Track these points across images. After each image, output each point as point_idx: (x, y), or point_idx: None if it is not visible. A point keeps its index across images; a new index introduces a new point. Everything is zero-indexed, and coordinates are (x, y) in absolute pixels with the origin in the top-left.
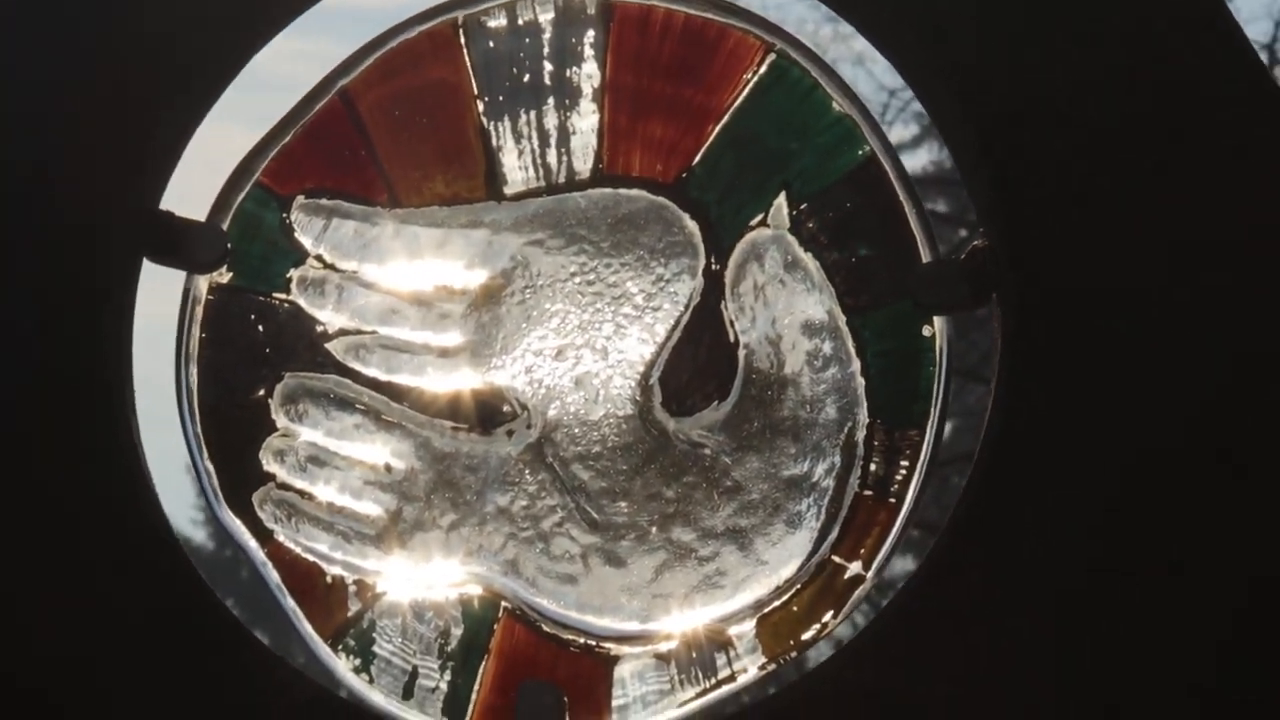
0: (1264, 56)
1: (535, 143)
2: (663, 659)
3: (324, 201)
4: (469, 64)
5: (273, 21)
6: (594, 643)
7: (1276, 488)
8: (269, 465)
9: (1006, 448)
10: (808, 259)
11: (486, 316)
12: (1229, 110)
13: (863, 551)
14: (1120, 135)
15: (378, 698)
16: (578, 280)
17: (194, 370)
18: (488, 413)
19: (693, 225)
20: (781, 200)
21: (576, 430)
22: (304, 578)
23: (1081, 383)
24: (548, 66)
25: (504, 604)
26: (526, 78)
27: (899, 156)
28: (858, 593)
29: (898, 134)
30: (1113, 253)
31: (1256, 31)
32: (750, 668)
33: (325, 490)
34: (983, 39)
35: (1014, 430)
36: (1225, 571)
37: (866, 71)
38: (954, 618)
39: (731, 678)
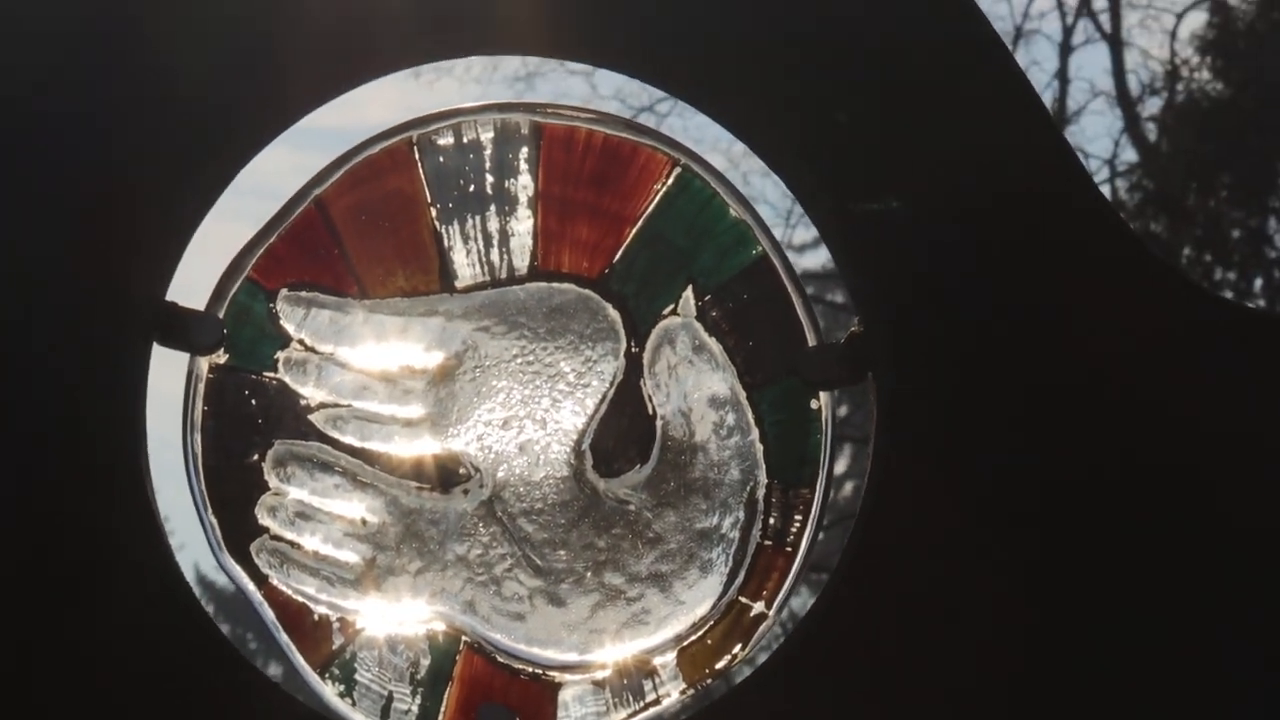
0: (1105, 170)
1: (480, 243)
2: (599, 685)
3: (303, 294)
4: (423, 176)
5: (252, 144)
6: (540, 671)
7: (1135, 555)
8: (263, 519)
9: (885, 502)
10: (712, 342)
11: (444, 392)
12: (1061, 218)
13: (765, 593)
14: (968, 242)
15: (360, 719)
16: (519, 361)
17: (198, 437)
18: (447, 474)
19: (615, 314)
20: (688, 293)
21: (521, 489)
22: (295, 616)
23: (946, 445)
24: (489, 178)
25: (464, 638)
26: (472, 188)
27: (787, 255)
28: (761, 628)
29: (800, 235)
30: (972, 338)
31: (1097, 149)
32: (673, 693)
33: (311, 541)
34: (852, 159)
35: (891, 487)
36: (1091, 613)
37: (774, 181)
38: (844, 647)
39: (657, 701)
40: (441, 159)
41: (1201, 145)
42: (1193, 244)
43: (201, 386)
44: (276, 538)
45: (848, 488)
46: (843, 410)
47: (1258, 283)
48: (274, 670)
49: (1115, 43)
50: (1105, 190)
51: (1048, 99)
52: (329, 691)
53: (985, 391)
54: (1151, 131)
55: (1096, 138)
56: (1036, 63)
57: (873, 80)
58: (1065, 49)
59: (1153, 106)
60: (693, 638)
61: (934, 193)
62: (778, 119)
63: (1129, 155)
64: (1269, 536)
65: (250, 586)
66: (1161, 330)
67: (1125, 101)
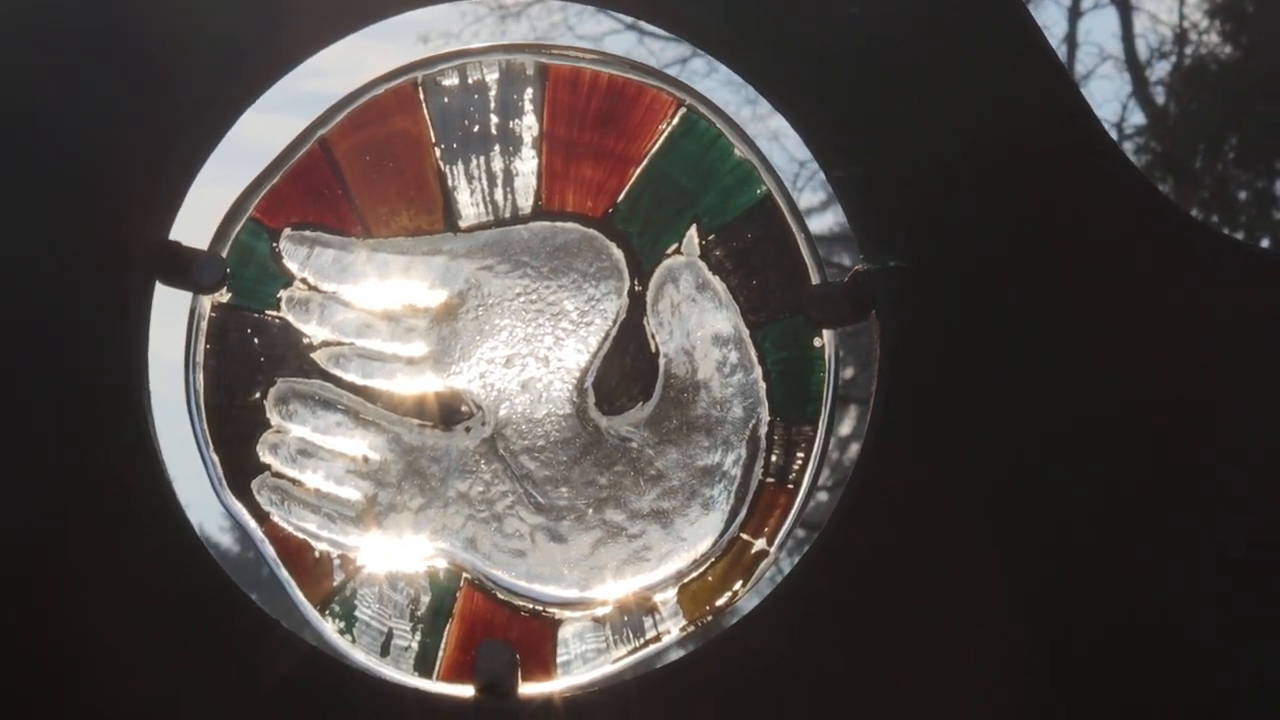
0: (1113, 133)
1: (484, 183)
2: (599, 621)
3: (307, 233)
4: (428, 117)
5: (259, 81)
6: (541, 608)
7: (1145, 505)
8: (265, 457)
9: (887, 440)
10: (716, 281)
11: (446, 330)
12: (1076, 177)
13: (767, 531)
14: (982, 188)
15: (359, 655)
16: (522, 300)
17: (200, 376)
18: (449, 412)
19: (619, 253)
20: (693, 232)
21: (524, 427)
22: (296, 552)
23: (948, 386)
24: (494, 119)
25: (465, 575)
26: (476, 128)
27: (791, 194)
28: (763, 565)
29: (807, 200)
30: (980, 279)
31: (1106, 112)
32: (673, 629)
33: (313, 478)
34: (870, 118)
35: (893, 427)
36: (1094, 586)
37: (781, 145)
38: (846, 584)
39: (657, 638)
40: (446, 100)
41: (1210, 109)
42: (1200, 207)
43: (204, 325)
44: (278, 475)
45: (848, 429)
46: (849, 371)
47: (1264, 244)
48: (275, 607)
49: (1124, 6)
50: None
51: None
52: (329, 628)
53: (992, 335)
54: (1160, 95)
55: (1105, 101)
56: (1046, 27)
57: (887, 34)
58: (1074, 12)
59: (1161, 70)
60: (694, 575)
61: (949, 139)
62: (795, 68)
63: (1137, 118)
64: None
65: (252, 523)
66: (1175, 281)
67: (1134, 65)
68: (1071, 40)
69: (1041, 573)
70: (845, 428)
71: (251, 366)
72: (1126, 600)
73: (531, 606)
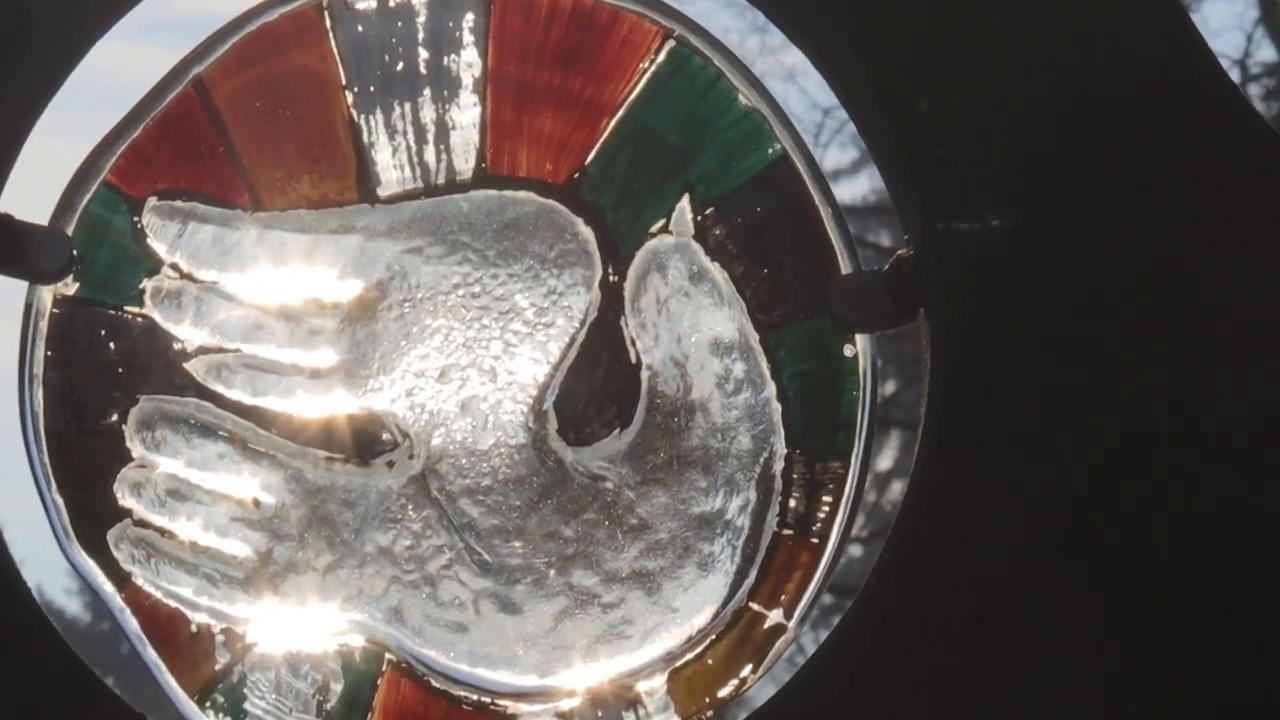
0: (1235, 73)
1: (411, 138)
2: (565, 718)
3: (179, 204)
4: (336, 50)
5: (116, 4)
6: (489, 699)
7: (1213, 517)
8: (125, 499)
9: (938, 489)
10: (715, 269)
11: (361, 333)
12: (1185, 128)
13: (783, 598)
14: (1063, 146)
15: None
16: (461, 293)
17: (39, 393)
18: (365, 441)
19: (587, 232)
20: (685, 204)
21: (464, 461)
22: (166, 626)
23: (1018, 410)
24: (423, 54)
25: (388, 656)
26: (400, 66)
27: (812, 154)
28: (779, 643)
29: (833, 159)
30: (1062, 264)
31: (1225, 44)
32: None
33: (187, 527)
34: (917, 48)
35: (945, 466)
36: (1169, 618)
37: (799, 88)
38: (882, 669)
39: None
40: (361, 28)
41: None
42: None
43: (44, 325)
44: (142, 523)
45: (889, 462)
46: (889, 387)
47: None
48: (138, 696)
49: None
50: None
51: None
52: None
53: (1082, 339)
54: None
55: (1224, 30)
56: None
57: None
58: None
59: None
60: (689, 656)
61: (1020, 79)
62: None
63: (1266, 53)
64: None
65: (108, 587)
66: None
67: None
68: None
69: (1146, 654)
70: (885, 461)
71: (106, 380)
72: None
73: (476, 698)
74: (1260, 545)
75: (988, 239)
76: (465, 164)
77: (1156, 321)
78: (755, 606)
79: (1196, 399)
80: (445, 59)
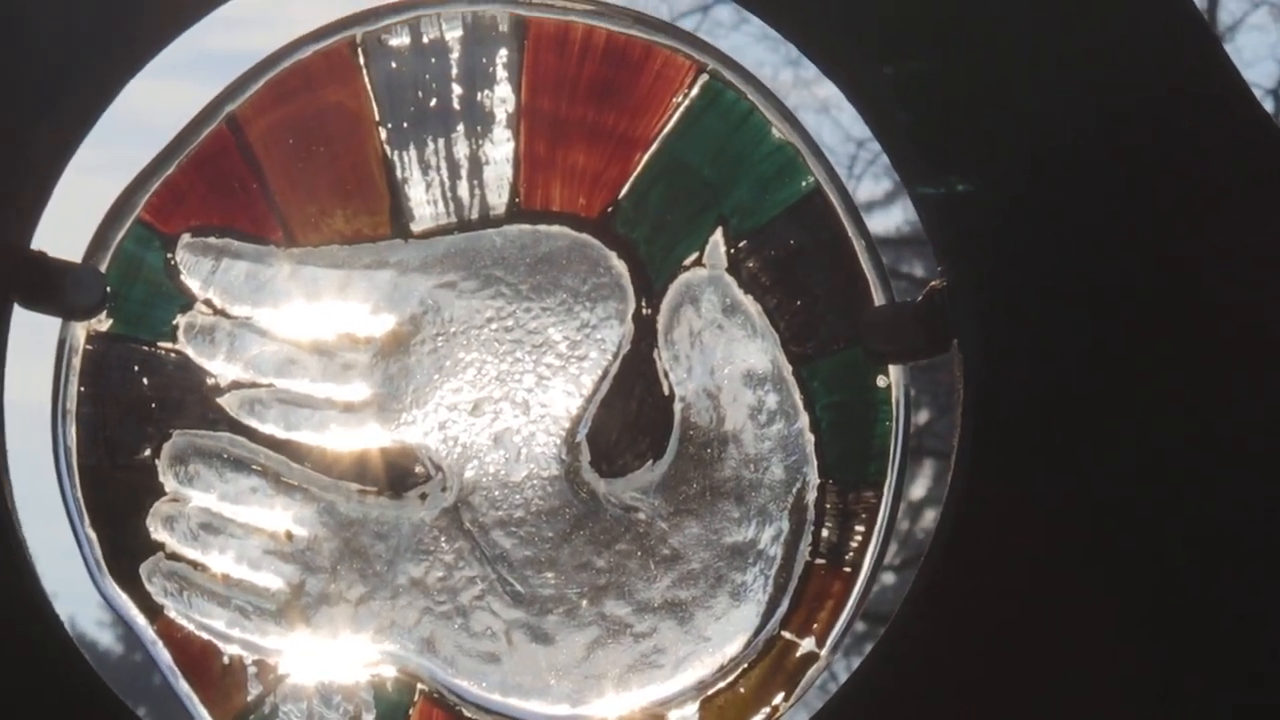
0: (1267, 102)
1: (444, 174)
2: None
3: (212, 240)
4: (369, 87)
5: (148, 42)
6: None
7: (1259, 536)
8: (157, 533)
9: (971, 517)
10: (748, 302)
11: (394, 367)
12: (1221, 156)
13: (816, 626)
14: (1095, 172)
15: None
16: (495, 326)
17: (72, 428)
18: (398, 474)
19: (620, 265)
20: (718, 237)
21: (497, 493)
22: (199, 658)
23: (1055, 442)
24: (456, 89)
25: (420, 686)
26: (433, 102)
27: (846, 187)
28: (811, 672)
29: (867, 190)
30: (1097, 295)
31: (1258, 74)
32: None
33: (220, 561)
34: (951, 80)
35: (979, 498)
36: (1202, 648)
37: (832, 120)
38: (913, 704)
39: None
40: (394, 64)
41: None
42: None
43: (77, 361)
44: (175, 557)
45: (922, 490)
46: (922, 417)
47: None
48: None
49: None
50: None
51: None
52: None
53: (1115, 368)
54: None
55: (1257, 60)
56: None
57: None
58: None
59: None
60: (720, 685)
61: (1050, 108)
62: (849, 18)
63: None
64: None
65: (140, 620)
66: None
67: None
68: None
69: (1187, 685)
70: (918, 491)
71: (140, 415)
72: None
73: None
74: None
75: (1022, 269)
76: (499, 199)
77: (1192, 345)
78: (788, 635)
79: (1239, 415)
80: (479, 94)
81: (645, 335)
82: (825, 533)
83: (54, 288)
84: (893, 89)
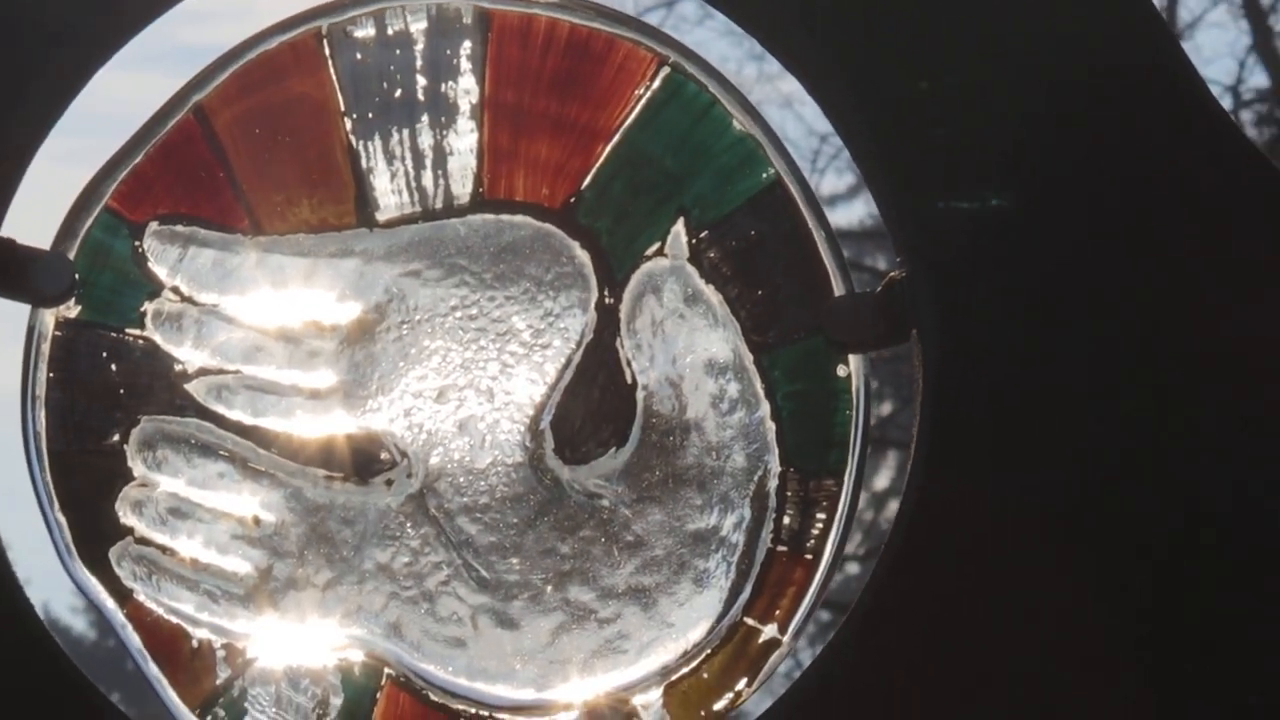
0: (1225, 100)
1: (409, 164)
2: None
3: (179, 228)
4: (335, 77)
5: (117, 32)
6: (486, 713)
7: (1216, 541)
8: (126, 518)
9: (929, 503)
10: (709, 292)
11: (360, 354)
12: (1175, 153)
13: (778, 613)
14: (1052, 169)
15: None
16: (459, 315)
17: (41, 414)
18: (364, 460)
19: (583, 255)
20: (679, 227)
21: (462, 479)
22: (168, 641)
23: (1010, 428)
24: (421, 81)
25: (387, 670)
26: (398, 93)
27: (806, 179)
28: (774, 658)
29: (830, 184)
30: (1049, 287)
31: (1218, 71)
32: None
33: (188, 545)
34: (912, 76)
35: (937, 483)
36: (1160, 625)
37: (796, 114)
38: (875, 684)
39: None
40: (359, 56)
41: None
42: None
43: (46, 347)
44: (143, 541)
45: (886, 481)
46: (885, 409)
47: None
48: (142, 711)
49: None
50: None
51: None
52: None
53: (1067, 359)
54: None
55: (1217, 57)
56: None
57: None
58: None
59: None
60: (684, 670)
61: (1010, 106)
62: (811, 14)
63: (1258, 80)
64: None
65: (110, 603)
66: None
67: (1254, 11)
68: None
69: (1140, 667)
70: (882, 481)
71: (108, 401)
72: None
73: (474, 711)
74: (1250, 547)
75: (979, 262)
76: (463, 189)
77: (1144, 340)
78: (750, 621)
79: (1186, 411)
80: (443, 86)
81: (608, 324)
82: (787, 520)
83: (23, 275)
84: (854, 85)
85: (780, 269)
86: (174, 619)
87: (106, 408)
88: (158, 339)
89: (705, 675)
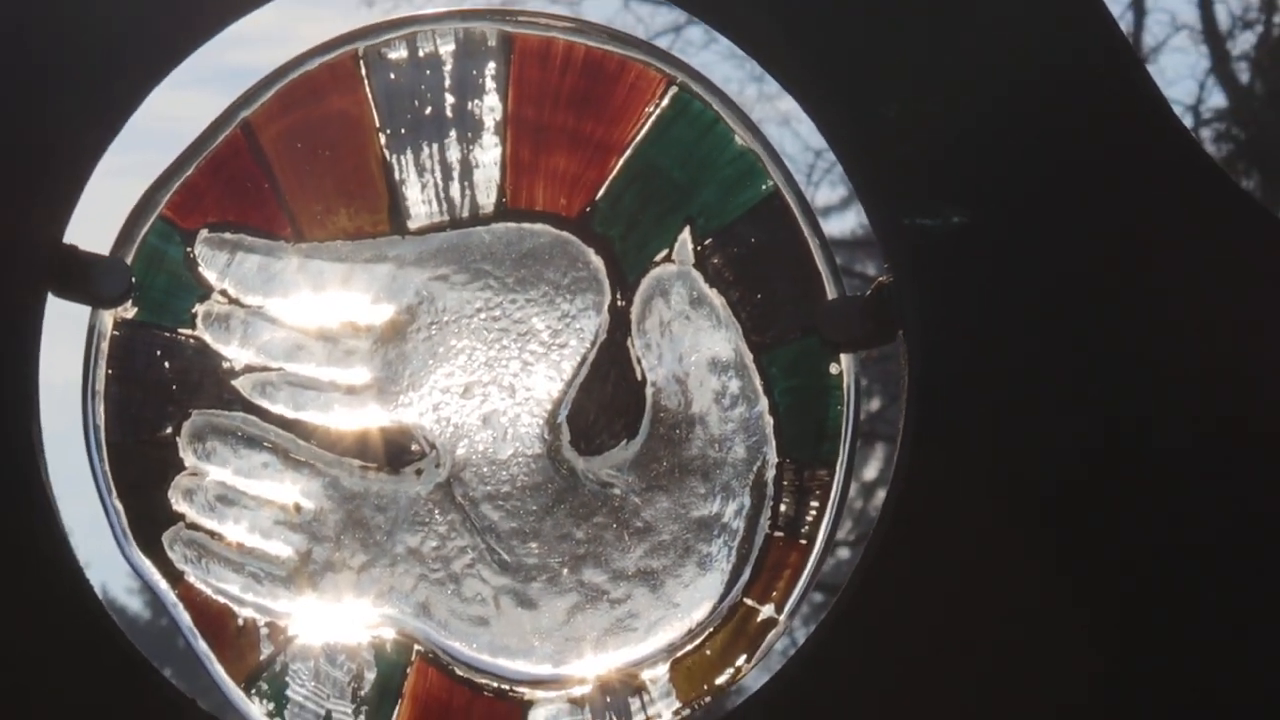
0: (1186, 118)
1: (438, 176)
2: (577, 703)
3: (227, 235)
4: (370, 96)
5: (170, 56)
6: (507, 687)
7: (1187, 528)
8: (178, 504)
9: (916, 491)
10: (713, 295)
11: (393, 353)
12: (1141, 165)
13: (775, 594)
14: (1026, 179)
15: None
16: (483, 316)
17: (101, 407)
18: (396, 451)
19: (597, 260)
20: (686, 235)
21: (485, 469)
22: (216, 620)
23: (993, 422)
24: (449, 99)
25: (417, 647)
26: (428, 110)
27: (802, 191)
28: (771, 636)
29: (824, 196)
30: (1028, 290)
31: (1179, 92)
32: (665, 713)
33: (235, 530)
34: (901, 96)
35: (924, 474)
36: (1142, 612)
37: (793, 131)
38: (867, 661)
39: None
40: (393, 76)
41: None
42: None
43: (105, 346)
44: (194, 526)
45: (874, 472)
46: (875, 404)
47: None
48: (192, 685)
49: None
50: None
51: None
52: (255, 710)
53: (1044, 358)
54: (1243, 72)
55: (1178, 79)
56: None
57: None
58: None
59: (1245, 43)
60: (689, 647)
61: (988, 125)
62: (808, 38)
63: (1216, 100)
64: None
65: (163, 584)
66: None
67: (1213, 37)
68: (1138, 7)
69: (1118, 648)
70: (869, 471)
71: (162, 396)
72: None
73: (496, 685)
74: (1234, 544)
75: (961, 268)
76: (487, 199)
77: (1123, 338)
78: (749, 602)
79: (1166, 406)
80: (469, 104)
81: (620, 325)
82: (783, 507)
83: (84, 278)
84: (847, 105)
85: (778, 274)
86: (221, 599)
87: (160, 402)
88: (207, 338)
89: (708, 652)
